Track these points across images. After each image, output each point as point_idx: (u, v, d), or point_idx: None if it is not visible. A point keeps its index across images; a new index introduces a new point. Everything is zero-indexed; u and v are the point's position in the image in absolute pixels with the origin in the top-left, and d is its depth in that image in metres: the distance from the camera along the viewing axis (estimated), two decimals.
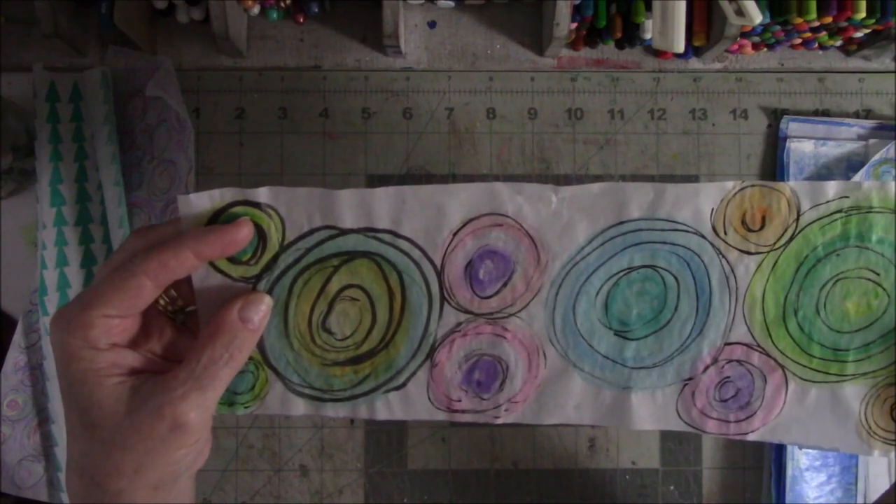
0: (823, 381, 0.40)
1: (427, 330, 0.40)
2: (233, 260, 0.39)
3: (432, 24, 0.61)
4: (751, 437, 0.41)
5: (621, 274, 0.40)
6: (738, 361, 0.40)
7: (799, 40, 0.58)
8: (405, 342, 0.40)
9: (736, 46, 0.59)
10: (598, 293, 0.40)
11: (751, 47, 0.60)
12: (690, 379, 0.40)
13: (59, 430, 0.57)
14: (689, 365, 0.40)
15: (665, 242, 0.39)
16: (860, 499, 0.59)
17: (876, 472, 0.59)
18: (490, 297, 0.40)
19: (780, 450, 0.58)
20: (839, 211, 0.39)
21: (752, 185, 0.39)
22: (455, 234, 0.39)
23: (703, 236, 0.39)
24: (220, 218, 0.38)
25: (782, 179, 0.59)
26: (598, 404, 0.41)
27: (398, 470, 0.59)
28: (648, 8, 0.56)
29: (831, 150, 0.60)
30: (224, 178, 0.60)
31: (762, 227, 0.39)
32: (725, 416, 0.41)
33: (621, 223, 0.39)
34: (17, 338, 0.58)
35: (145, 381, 0.35)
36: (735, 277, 0.40)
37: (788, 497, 0.58)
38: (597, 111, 0.61)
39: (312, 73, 0.61)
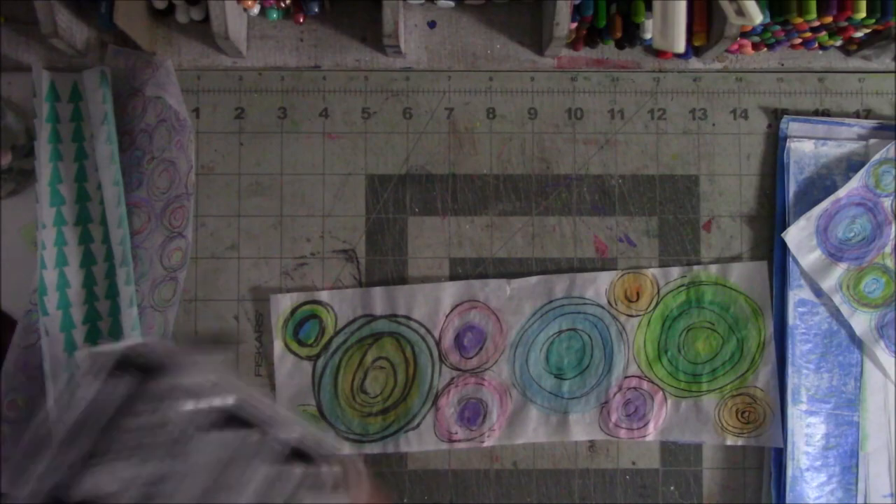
0: (689, 395, 0.59)
1: (431, 384, 0.58)
2: (301, 343, 0.58)
3: (432, 24, 0.61)
4: (647, 439, 0.59)
5: (554, 336, 0.59)
6: (634, 388, 0.59)
7: (799, 40, 0.58)
8: (417, 395, 0.58)
9: (736, 46, 0.59)
10: (541, 349, 0.59)
11: (751, 47, 0.60)
12: (606, 402, 0.58)
13: (59, 430, 0.56)
14: (604, 393, 0.59)
15: (580, 312, 0.59)
16: (860, 499, 0.59)
17: (876, 472, 0.59)
18: (472, 357, 0.58)
19: (780, 450, 0.58)
20: (682, 285, 0.59)
21: (627, 273, 0.59)
22: (447, 316, 0.58)
23: (602, 307, 0.59)
24: (297, 312, 0.58)
25: (783, 179, 0.59)
26: (548, 426, 0.58)
27: (398, 470, 0.59)
28: (648, 8, 0.56)
29: (831, 149, 0.60)
30: (224, 178, 0.60)
31: (638, 299, 0.59)
32: (630, 425, 0.58)
33: (551, 301, 0.58)
34: (17, 338, 0.58)
35: None
36: (626, 333, 0.59)
37: (788, 497, 0.58)
38: (597, 111, 0.61)
39: (312, 73, 0.61)
